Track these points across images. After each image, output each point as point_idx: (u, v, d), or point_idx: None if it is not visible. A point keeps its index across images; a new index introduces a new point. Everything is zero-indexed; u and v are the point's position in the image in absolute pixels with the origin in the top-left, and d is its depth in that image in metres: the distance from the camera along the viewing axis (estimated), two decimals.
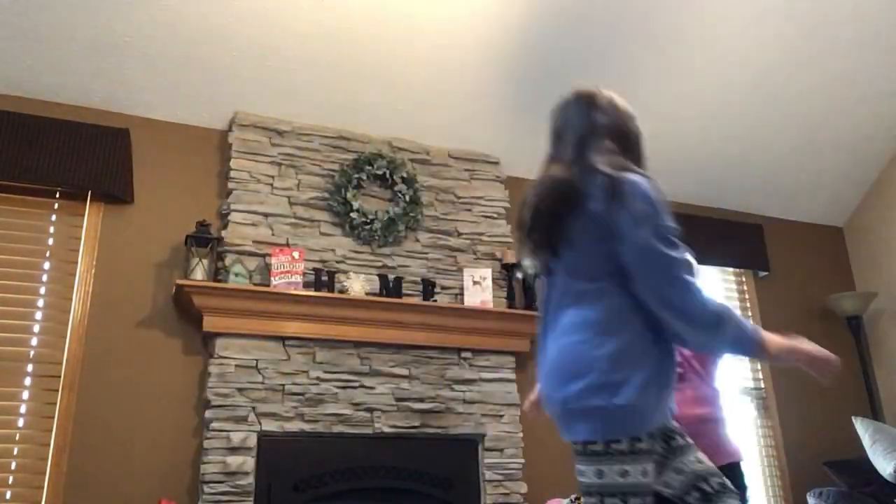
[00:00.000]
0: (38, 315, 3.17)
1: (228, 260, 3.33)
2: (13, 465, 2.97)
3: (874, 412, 4.51)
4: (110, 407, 3.11)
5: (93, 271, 3.26)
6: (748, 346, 1.57)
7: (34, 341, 3.13)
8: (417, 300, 3.60)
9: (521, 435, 3.64)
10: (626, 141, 1.76)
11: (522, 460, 3.60)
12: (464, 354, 3.64)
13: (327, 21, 3.37)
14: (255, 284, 3.33)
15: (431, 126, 3.93)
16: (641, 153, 1.79)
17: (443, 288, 3.75)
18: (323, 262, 3.54)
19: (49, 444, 3.00)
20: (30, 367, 3.09)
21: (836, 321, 4.77)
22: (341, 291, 3.45)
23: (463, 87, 3.77)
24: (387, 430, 3.40)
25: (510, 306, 3.82)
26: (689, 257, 1.61)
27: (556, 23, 3.59)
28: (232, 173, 3.52)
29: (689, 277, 1.57)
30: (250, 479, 3.08)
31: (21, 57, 3.22)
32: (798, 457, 4.33)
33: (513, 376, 3.73)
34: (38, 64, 3.26)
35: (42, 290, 3.20)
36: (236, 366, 3.21)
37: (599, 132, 1.74)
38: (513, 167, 4.18)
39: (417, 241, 3.80)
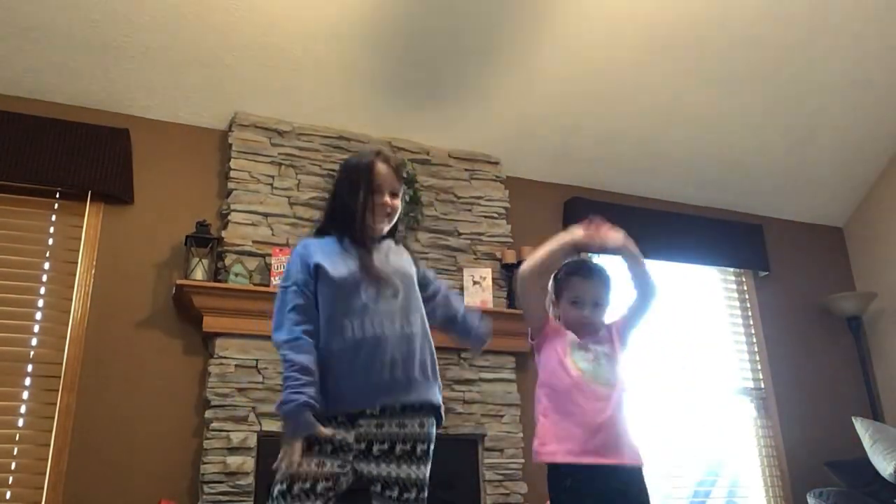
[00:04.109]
0: (38, 315, 3.17)
1: (228, 260, 3.33)
2: (13, 465, 2.97)
3: (874, 412, 4.51)
4: (110, 407, 3.11)
5: (93, 271, 3.26)
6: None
7: (34, 341, 3.13)
8: None
9: (521, 435, 3.64)
10: None
11: (522, 460, 3.59)
12: (464, 355, 3.64)
13: (327, 21, 3.37)
14: (255, 284, 3.32)
15: (431, 126, 3.92)
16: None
17: None
18: None
19: (49, 444, 3.00)
20: (30, 368, 3.09)
21: (836, 321, 4.76)
22: None
23: (463, 87, 3.77)
24: None
25: (510, 306, 3.82)
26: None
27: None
28: (232, 173, 3.52)
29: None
30: (250, 479, 3.08)
31: (21, 57, 3.22)
32: (798, 457, 4.33)
33: (513, 376, 3.73)
34: (38, 64, 3.26)
35: (42, 290, 3.20)
36: (236, 366, 3.21)
37: None
38: (513, 167, 4.18)
39: (417, 241, 3.79)
